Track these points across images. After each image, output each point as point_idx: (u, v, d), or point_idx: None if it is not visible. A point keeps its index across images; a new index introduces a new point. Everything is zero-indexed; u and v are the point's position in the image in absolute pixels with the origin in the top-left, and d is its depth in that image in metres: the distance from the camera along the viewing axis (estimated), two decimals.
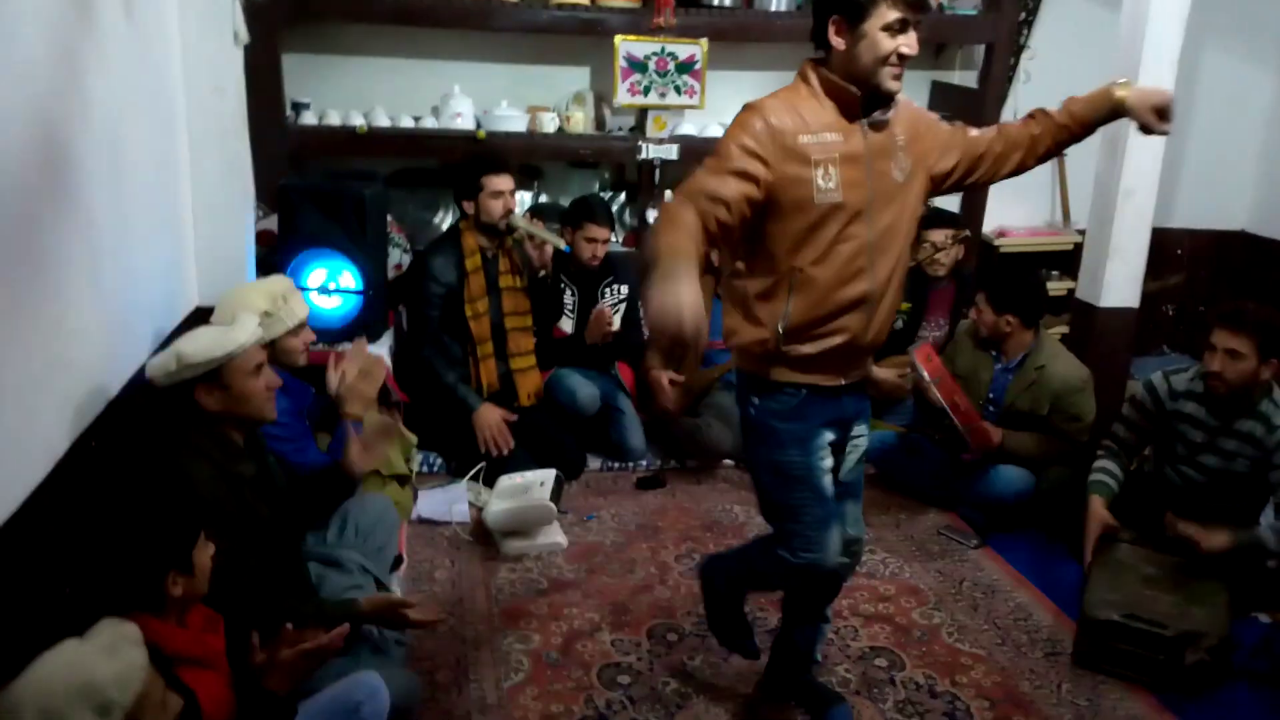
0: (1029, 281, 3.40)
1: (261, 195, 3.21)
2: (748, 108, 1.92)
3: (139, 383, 2.18)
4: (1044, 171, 4.63)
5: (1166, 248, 4.46)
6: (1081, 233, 4.31)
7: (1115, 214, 3.46)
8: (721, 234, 1.87)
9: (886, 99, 1.93)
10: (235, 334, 2.03)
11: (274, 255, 3.17)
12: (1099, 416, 3.24)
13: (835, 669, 2.52)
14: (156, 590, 1.61)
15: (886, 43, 1.84)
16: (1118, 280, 3.54)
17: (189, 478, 1.93)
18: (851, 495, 2.20)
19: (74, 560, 1.74)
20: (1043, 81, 4.41)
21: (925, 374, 3.17)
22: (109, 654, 1.29)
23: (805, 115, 1.91)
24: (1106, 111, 2.03)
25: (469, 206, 3.37)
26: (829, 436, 2.06)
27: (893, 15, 1.82)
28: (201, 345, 1.99)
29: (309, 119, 3.81)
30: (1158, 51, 3.29)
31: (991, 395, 3.32)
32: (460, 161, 3.45)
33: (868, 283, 1.96)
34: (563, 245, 3.51)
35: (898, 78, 1.89)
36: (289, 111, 3.77)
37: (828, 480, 2.07)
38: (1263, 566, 2.76)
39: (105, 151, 2.14)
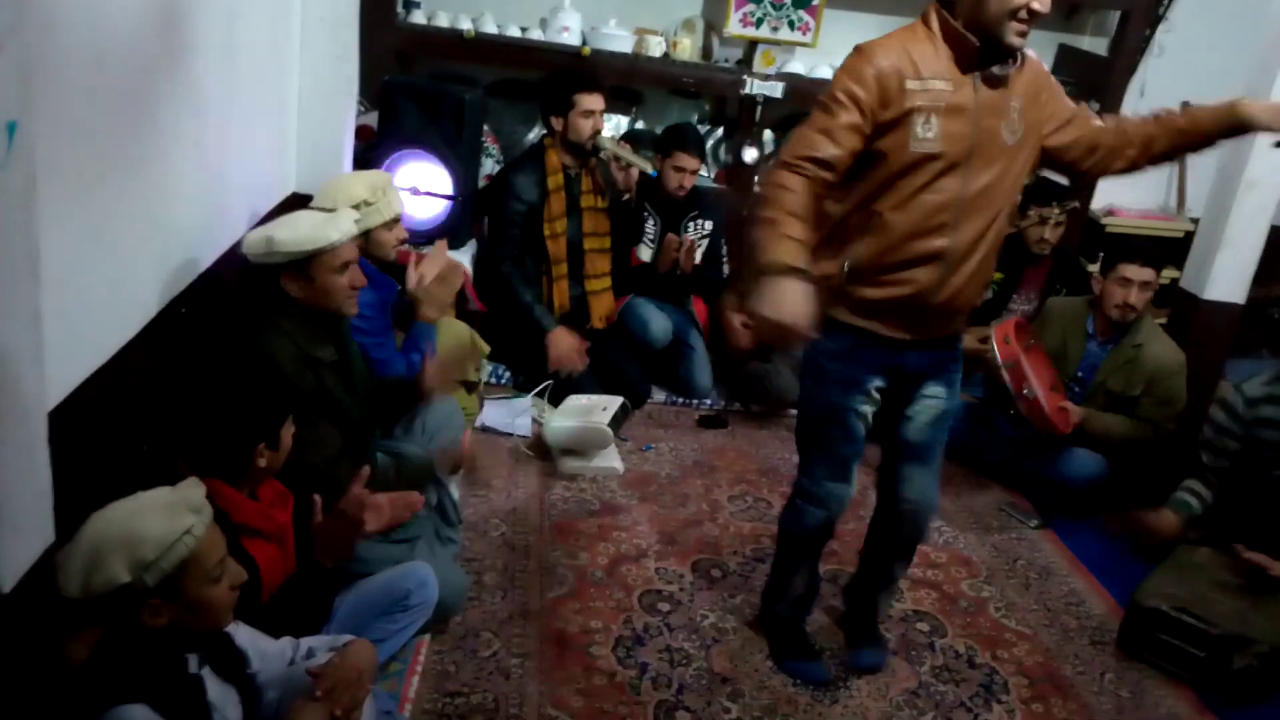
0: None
1: (365, 90, 3.23)
2: (857, 50, 1.87)
3: (232, 256, 2.25)
4: None
5: None
6: (1194, 222, 4.11)
7: (1234, 204, 3.28)
8: (828, 190, 1.87)
9: (1007, 54, 1.84)
10: (328, 230, 2.05)
11: (371, 151, 3.21)
12: (1186, 409, 3.12)
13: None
14: (244, 460, 1.67)
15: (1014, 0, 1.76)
16: (1226, 273, 3.37)
17: (272, 356, 1.99)
18: (917, 459, 2.16)
19: (155, 420, 1.81)
20: (1177, 57, 4.17)
21: (998, 356, 3.06)
22: (166, 514, 1.31)
23: (916, 58, 1.85)
24: (1230, 124, 1.92)
25: (557, 123, 3.33)
26: (877, 383, 2.06)
27: None
28: (296, 234, 2.02)
29: (418, 18, 3.80)
30: None
31: (1080, 374, 3.21)
32: (552, 76, 3.40)
33: (948, 239, 1.90)
34: (649, 169, 3.47)
35: (1023, 34, 1.81)
36: (400, 9, 3.77)
37: (861, 426, 2.10)
38: None
39: (221, 27, 2.17)
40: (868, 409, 2.09)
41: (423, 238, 3.20)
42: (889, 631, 2.50)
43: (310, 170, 2.88)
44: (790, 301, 1.69)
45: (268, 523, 1.72)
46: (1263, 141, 3.14)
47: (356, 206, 2.41)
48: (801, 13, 3.71)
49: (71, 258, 1.55)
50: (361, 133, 3.27)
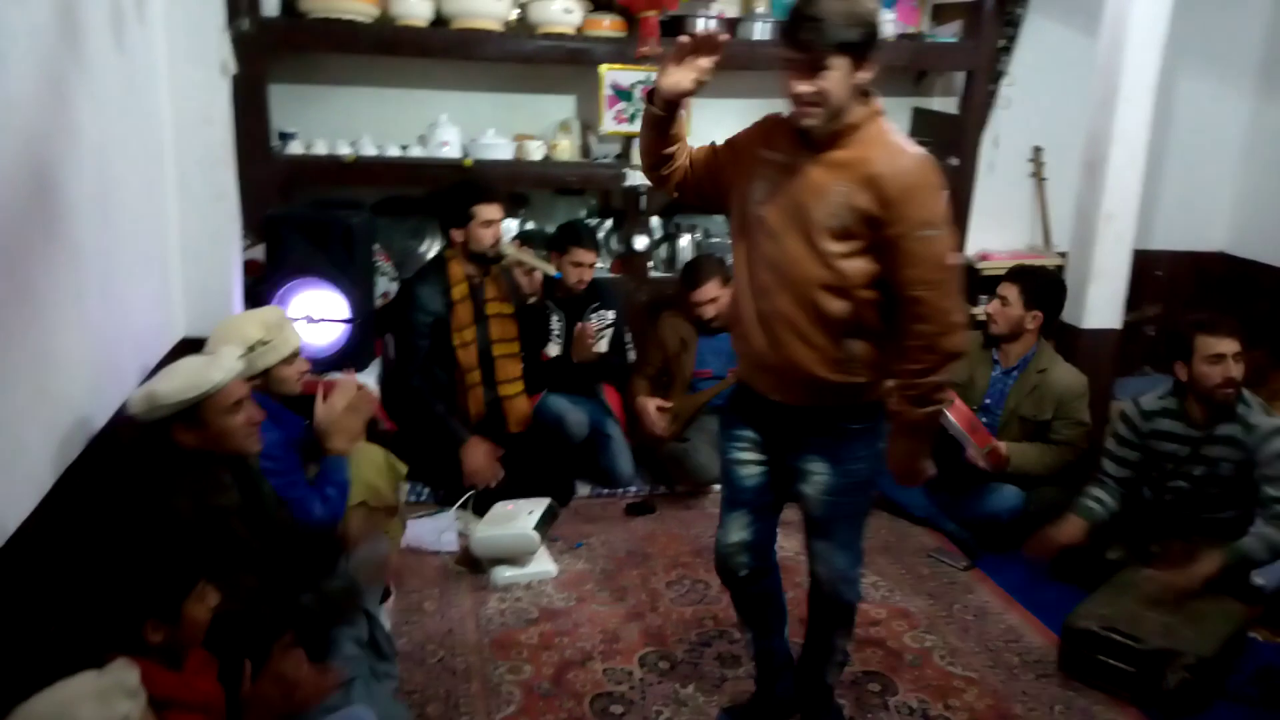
0: (1060, 281, 3.46)
1: (249, 225, 3.21)
2: (765, 117, 2.11)
3: (124, 416, 2.17)
4: (1024, 196, 4.70)
5: (1146, 270, 4.50)
6: (1063, 255, 4.37)
7: (1096, 237, 3.51)
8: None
9: (815, 136, 1.93)
10: (210, 372, 1.99)
11: (261, 285, 3.17)
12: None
13: None
14: (133, 636, 1.57)
15: (787, 82, 1.89)
16: (1100, 302, 3.58)
17: (168, 520, 1.90)
18: (817, 533, 2.18)
19: (59, 598, 1.72)
20: (1022, 108, 4.47)
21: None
22: (98, 703, 1.24)
23: (781, 133, 2.00)
24: None
25: (458, 235, 3.37)
26: (749, 434, 2.16)
27: (783, 56, 1.88)
28: (175, 384, 1.96)
29: (296, 148, 3.81)
30: (1136, 77, 3.35)
31: (988, 401, 3.33)
32: (447, 190, 3.45)
33: (766, 303, 2.00)
34: (553, 271, 3.53)
35: (804, 116, 1.89)
36: (275, 141, 3.78)
37: (742, 474, 2.18)
38: (1249, 583, 2.79)
39: (93, 182, 2.14)
40: (745, 458, 2.17)
41: (325, 365, 3.16)
42: (842, 698, 2.50)
43: (200, 314, 2.83)
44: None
45: (190, 693, 1.63)
46: (1115, 174, 3.42)
47: (252, 347, 2.37)
48: None
49: None
50: (250, 268, 3.24)
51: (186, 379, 1.97)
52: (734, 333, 2.14)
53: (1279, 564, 2.79)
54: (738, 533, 2.22)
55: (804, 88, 1.85)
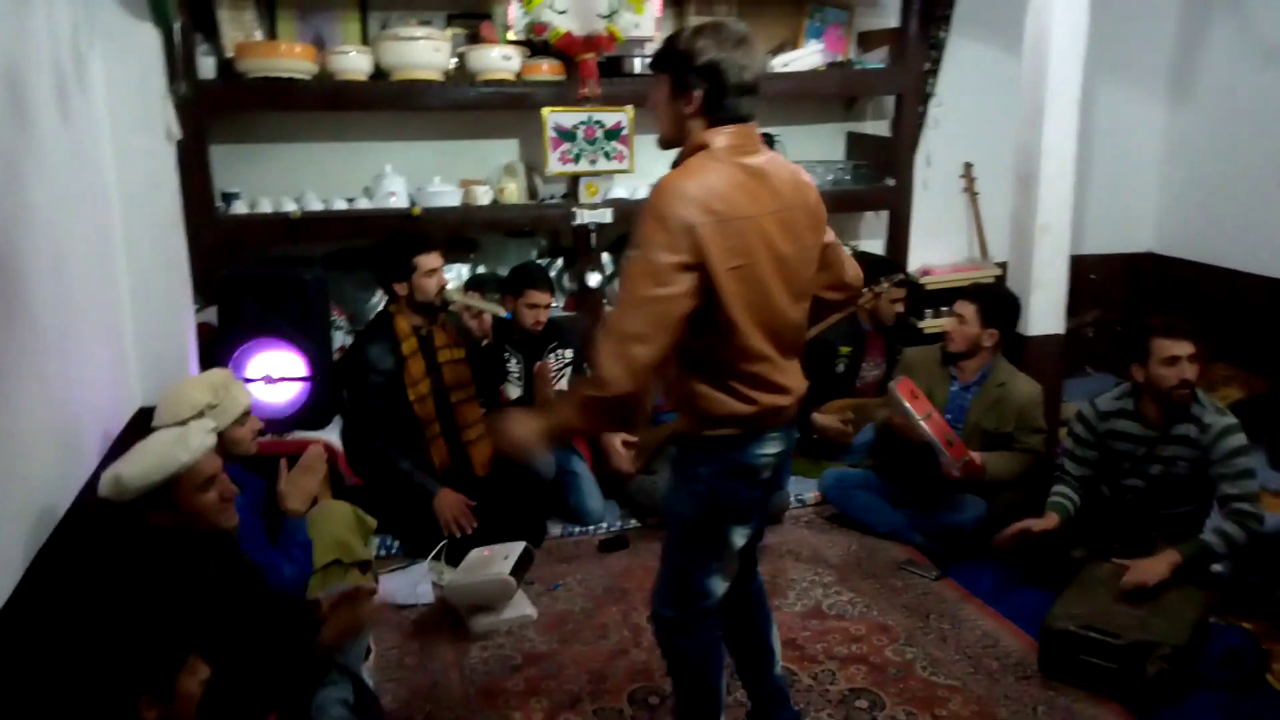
0: (1015, 299, 3.56)
1: (198, 288, 3.17)
2: None
3: (91, 494, 2.12)
4: (959, 210, 4.85)
5: (1081, 274, 4.66)
6: (1001, 265, 4.51)
7: (1035, 248, 3.64)
8: None
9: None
10: (177, 451, 1.94)
11: (215, 348, 3.13)
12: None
13: (819, 715, 2.54)
14: (128, 715, 1.53)
15: None
16: (1042, 309, 3.70)
17: (157, 593, 1.87)
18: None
19: (44, 683, 1.67)
20: (951, 126, 4.63)
21: (915, 412, 3.21)
22: None
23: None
24: None
25: (401, 289, 3.32)
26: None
27: None
28: (141, 467, 1.91)
29: (240, 208, 3.78)
30: (1060, 93, 3.49)
31: (949, 416, 3.41)
32: (384, 245, 3.40)
33: None
34: (502, 312, 3.52)
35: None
36: (219, 203, 3.74)
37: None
38: (1207, 571, 2.89)
39: (48, 257, 2.11)
40: None
41: (285, 425, 3.13)
42: (830, 716, 2.52)
43: (155, 381, 2.78)
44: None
45: None
46: (1047, 185, 3.56)
47: (201, 412, 2.33)
48: (614, 143, 3.92)
49: None
50: (202, 331, 3.20)
51: (154, 460, 1.91)
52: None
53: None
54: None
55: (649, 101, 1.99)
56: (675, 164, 1.95)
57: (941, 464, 3.25)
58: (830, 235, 2.13)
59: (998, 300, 3.48)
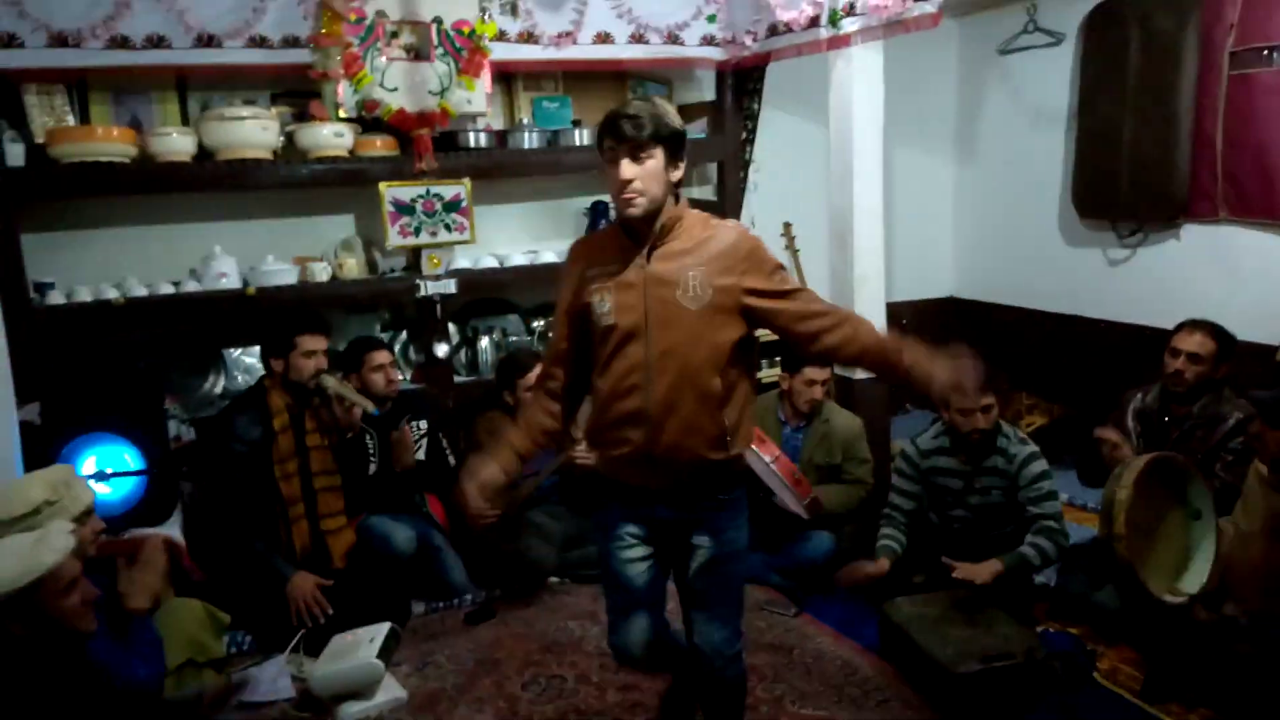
0: None
1: (18, 386, 2.96)
2: (570, 249, 2.22)
3: None
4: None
5: (895, 319, 5.07)
6: None
7: (854, 298, 3.92)
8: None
9: (643, 234, 2.10)
10: (40, 554, 1.84)
11: (44, 447, 2.93)
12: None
13: None
14: None
15: (610, 173, 2.08)
16: None
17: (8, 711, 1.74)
18: (695, 605, 2.27)
19: None
20: (770, 189, 4.94)
21: (766, 456, 3.34)
22: None
23: (600, 248, 2.16)
24: (922, 382, 2.13)
25: (277, 364, 3.28)
26: (631, 529, 2.21)
27: (606, 148, 2.07)
28: (4, 572, 1.79)
29: (56, 298, 3.56)
30: (864, 154, 3.81)
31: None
32: (274, 318, 3.39)
33: (640, 399, 2.09)
34: (371, 408, 3.41)
35: (628, 205, 2.04)
36: (32, 294, 3.51)
37: (632, 571, 2.23)
38: (1030, 582, 3.19)
39: None
40: (632, 555, 2.22)
41: (121, 522, 2.95)
42: None
43: None
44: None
45: None
46: (861, 239, 3.86)
47: (38, 510, 2.21)
48: (454, 215, 3.96)
49: None
50: (24, 429, 2.98)
51: (14, 565, 1.80)
52: (600, 440, 2.19)
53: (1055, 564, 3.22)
54: (639, 634, 2.25)
55: (628, 172, 2.03)
56: (661, 225, 2.09)
57: (778, 501, 3.43)
58: None
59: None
